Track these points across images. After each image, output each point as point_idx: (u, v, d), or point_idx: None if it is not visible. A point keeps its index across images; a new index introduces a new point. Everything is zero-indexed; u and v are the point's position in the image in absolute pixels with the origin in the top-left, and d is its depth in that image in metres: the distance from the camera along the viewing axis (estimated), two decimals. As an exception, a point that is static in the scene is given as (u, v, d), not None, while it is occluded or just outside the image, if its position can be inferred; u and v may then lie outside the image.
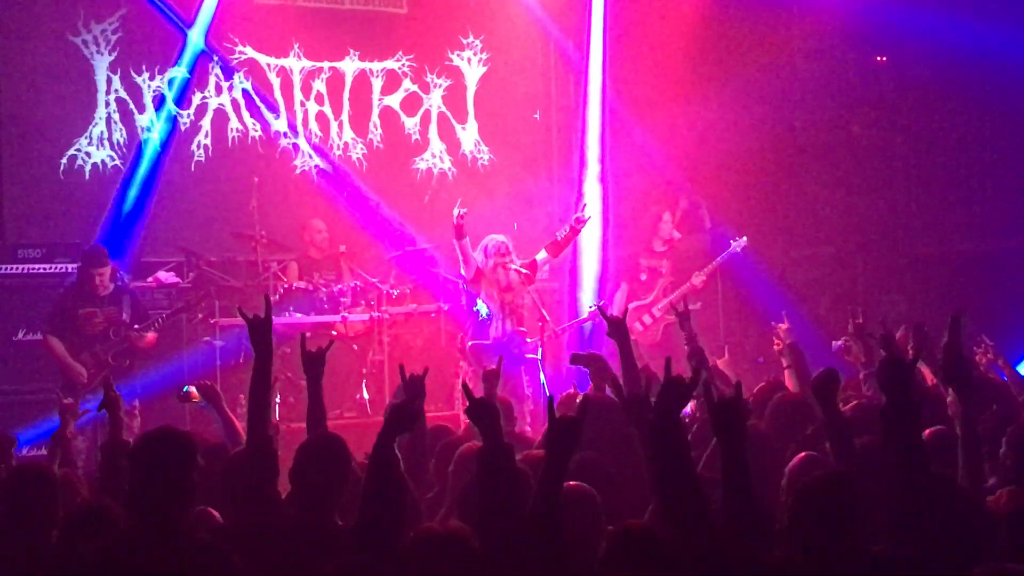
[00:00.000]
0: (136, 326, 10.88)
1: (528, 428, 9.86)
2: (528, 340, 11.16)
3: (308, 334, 10.96)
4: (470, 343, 11.14)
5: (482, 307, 11.07)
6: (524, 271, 11.10)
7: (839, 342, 8.55)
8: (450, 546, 4.24)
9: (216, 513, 5.57)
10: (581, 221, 11.42)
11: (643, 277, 12.84)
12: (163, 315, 11.19)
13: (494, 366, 7.56)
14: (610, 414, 6.15)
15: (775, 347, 8.64)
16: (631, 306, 12.18)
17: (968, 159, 14.58)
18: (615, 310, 11.00)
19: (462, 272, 11.23)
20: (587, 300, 13.10)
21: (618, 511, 5.00)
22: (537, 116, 15.06)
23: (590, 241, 13.37)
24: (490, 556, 4.21)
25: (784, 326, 8.79)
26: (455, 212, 10.85)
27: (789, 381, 8.44)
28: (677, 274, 12.77)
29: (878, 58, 15.07)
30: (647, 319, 12.65)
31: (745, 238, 12.80)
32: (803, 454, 5.35)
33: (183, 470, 4.70)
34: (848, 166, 14.97)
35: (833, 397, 5.45)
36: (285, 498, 5.35)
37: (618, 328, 7.22)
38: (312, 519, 5.11)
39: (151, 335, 10.93)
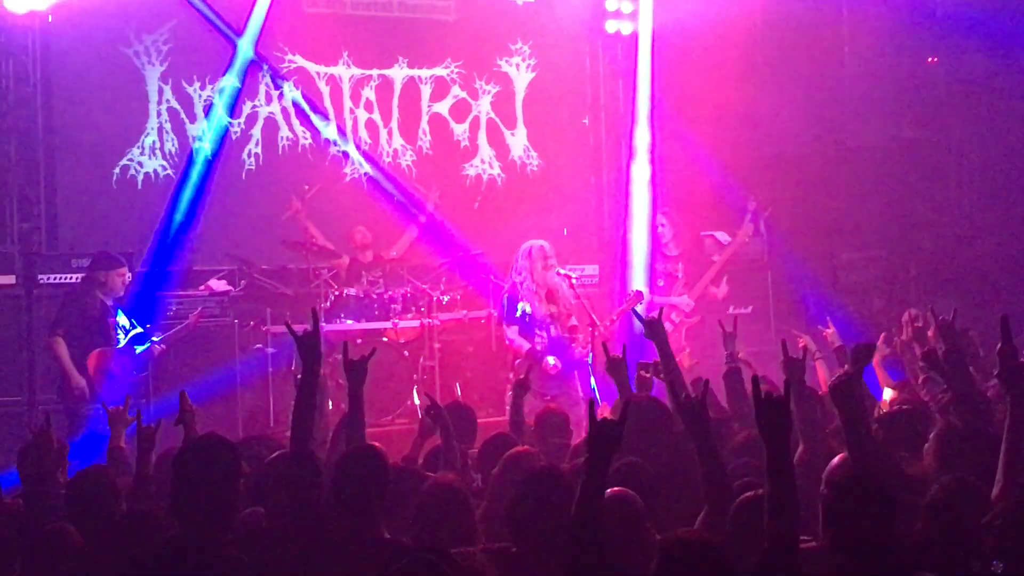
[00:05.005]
0: (157, 337, 10.82)
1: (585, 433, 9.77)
2: (579, 337, 10.96)
3: (359, 340, 11.15)
4: (526, 347, 10.80)
5: (526, 306, 10.80)
6: (571, 274, 10.93)
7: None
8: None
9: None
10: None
11: (660, 283, 12.78)
12: (179, 326, 11.11)
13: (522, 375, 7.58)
14: (654, 417, 6.12)
15: (800, 351, 8.28)
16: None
17: (1022, 160, 14.44)
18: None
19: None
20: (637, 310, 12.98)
21: (662, 516, 4.97)
22: (586, 121, 15.05)
23: (639, 246, 13.32)
24: (534, 563, 4.19)
25: (830, 330, 8.77)
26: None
27: (820, 374, 8.54)
28: (692, 277, 12.73)
29: (929, 59, 14.95)
30: (669, 326, 12.59)
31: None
32: (842, 455, 5.31)
33: (227, 479, 4.69)
34: (900, 168, 14.86)
35: (851, 399, 5.40)
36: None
37: (654, 329, 7.23)
38: (356, 530, 5.04)
39: (164, 346, 10.86)
